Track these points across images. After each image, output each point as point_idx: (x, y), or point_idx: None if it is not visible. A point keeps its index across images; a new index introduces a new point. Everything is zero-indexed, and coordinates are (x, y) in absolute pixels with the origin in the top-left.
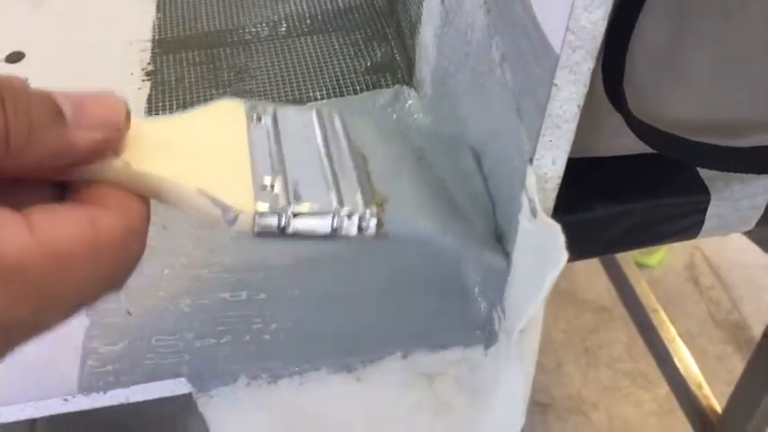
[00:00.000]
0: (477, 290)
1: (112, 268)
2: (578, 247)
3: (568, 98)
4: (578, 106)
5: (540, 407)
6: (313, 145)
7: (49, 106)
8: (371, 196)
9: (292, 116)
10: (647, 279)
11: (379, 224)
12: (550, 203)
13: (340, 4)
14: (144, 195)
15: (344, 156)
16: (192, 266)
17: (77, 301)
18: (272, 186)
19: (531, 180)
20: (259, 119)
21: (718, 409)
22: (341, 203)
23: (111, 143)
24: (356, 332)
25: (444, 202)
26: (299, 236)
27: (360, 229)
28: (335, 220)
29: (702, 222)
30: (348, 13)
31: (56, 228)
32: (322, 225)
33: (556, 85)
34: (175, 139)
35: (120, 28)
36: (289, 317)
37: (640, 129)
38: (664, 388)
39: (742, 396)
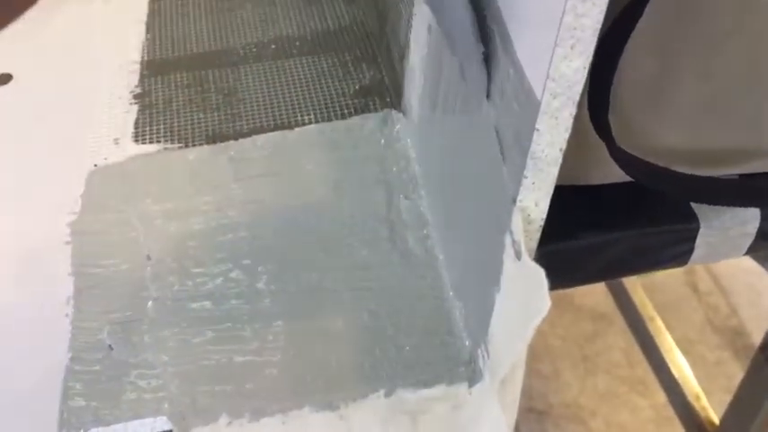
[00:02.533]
0: (460, 325)
1: None
2: (565, 276)
3: (550, 142)
4: (560, 150)
5: (537, 414)
6: None
7: None
8: None
9: None
10: (646, 284)
11: None
12: (534, 244)
13: (330, 25)
14: None
15: None
16: (177, 299)
17: None
18: None
19: (516, 222)
20: None
21: (716, 420)
22: None
23: None
24: (340, 368)
25: None
26: None
27: None
28: None
29: (692, 250)
30: (337, 35)
31: None
32: None
33: (538, 129)
34: None
35: (109, 49)
36: (272, 352)
37: (624, 161)
38: (662, 395)
39: (738, 409)
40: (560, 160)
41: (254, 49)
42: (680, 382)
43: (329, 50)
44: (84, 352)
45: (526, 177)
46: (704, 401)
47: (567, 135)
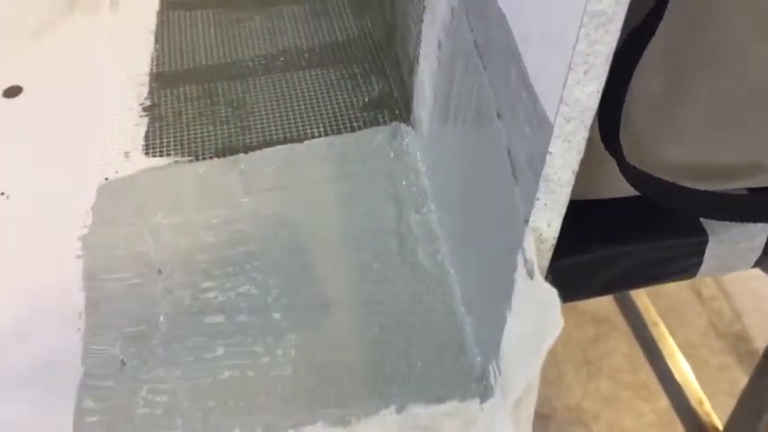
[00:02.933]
0: (472, 341)
1: None
2: (575, 289)
3: (563, 165)
4: (573, 172)
5: (541, 418)
6: None
7: None
8: None
9: None
10: (650, 288)
11: None
12: (545, 263)
13: (338, 37)
14: None
15: None
16: (188, 313)
17: None
18: None
19: (529, 242)
20: None
21: (719, 425)
22: None
23: None
24: (352, 383)
25: None
26: None
27: None
28: None
29: (700, 263)
30: (346, 47)
31: None
32: None
33: (551, 153)
34: None
35: (119, 61)
36: (284, 366)
37: (635, 178)
38: (665, 400)
39: (742, 414)
40: (573, 182)
41: (263, 61)
42: (683, 386)
43: (338, 63)
44: (96, 367)
45: (538, 199)
46: (707, 406)
47: (579, 158)
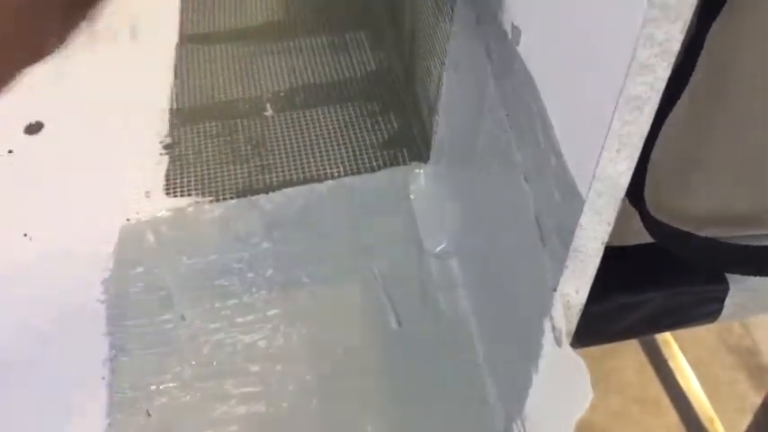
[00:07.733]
0: (493, 393)
1: None
2: (594, 335)
3: (593, 237)
4: (602, 243)
5: None
6: None
7: None
8: None
9: None
10: None
11: None
12: (572, 327)
13: (357, 72)
14: None
15: None
16: (212, 362)
17: None
18: None
19: (557, 309)
20: None
21: None
22: None
23: None
24: None
25: None
26: None
27: None
28: None
29: (721, 309)
30: (364, 81)
31: None
32: None
33: (581, 225)
34: None
35: (139, 97)
36: (308, 416)
37: (658, 231)
38: (674, 415)
39: None
40: (602, 251)
41: (282, 96)
42: (693, 402)
43: (357, 98)
44: (121, 418)
45: (567, 267)
46: (718, 424)
47: (609, 229)
